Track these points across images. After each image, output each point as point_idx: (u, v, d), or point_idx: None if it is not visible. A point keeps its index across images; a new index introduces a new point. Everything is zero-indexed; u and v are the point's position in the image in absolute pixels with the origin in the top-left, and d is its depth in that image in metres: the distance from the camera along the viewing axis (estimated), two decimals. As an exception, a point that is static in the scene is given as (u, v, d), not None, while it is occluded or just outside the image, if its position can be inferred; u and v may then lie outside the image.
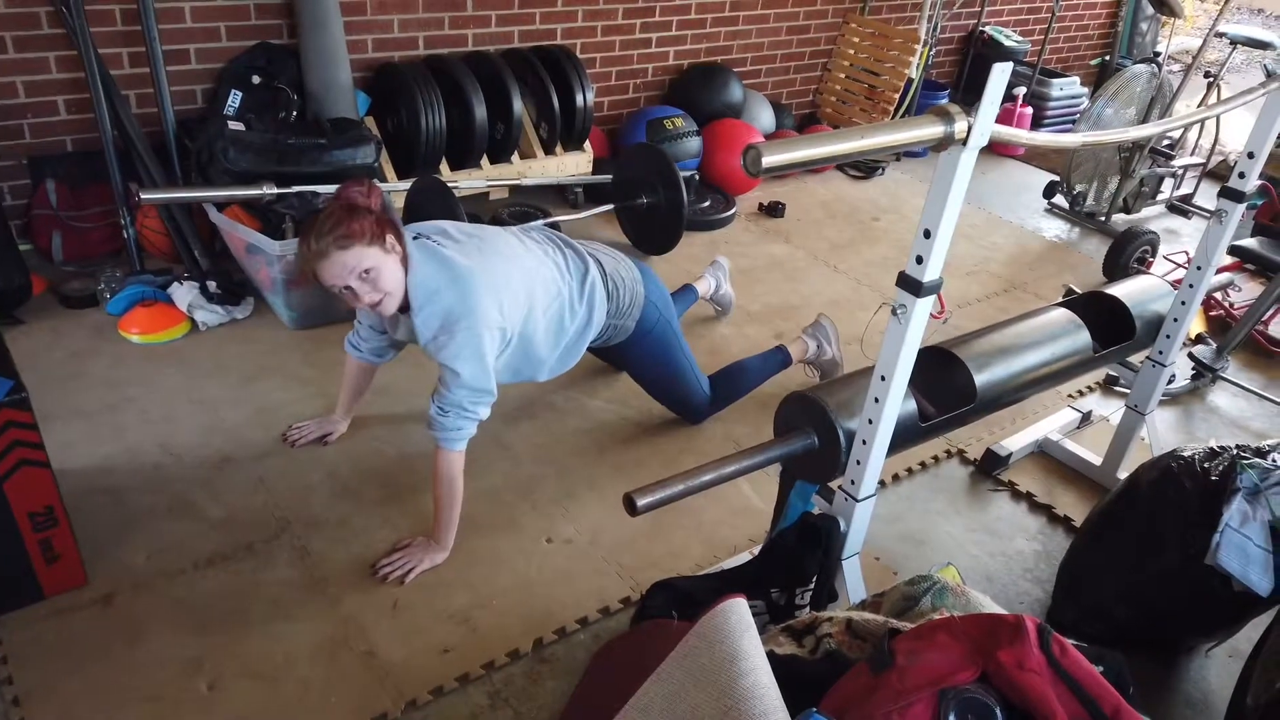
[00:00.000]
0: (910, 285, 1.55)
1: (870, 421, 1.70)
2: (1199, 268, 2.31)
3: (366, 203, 2.02)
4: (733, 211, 4.15)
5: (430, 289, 2.04)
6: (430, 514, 2.19)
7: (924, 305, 1.56)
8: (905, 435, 1.86)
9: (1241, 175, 2.20)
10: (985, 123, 1.38)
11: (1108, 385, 3.17)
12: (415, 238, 2.12)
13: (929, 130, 1.35)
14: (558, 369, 2.41)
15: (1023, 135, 1.52)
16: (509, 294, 2.14)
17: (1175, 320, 2.36)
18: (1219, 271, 3.84)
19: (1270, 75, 2.06)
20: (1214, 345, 3.26)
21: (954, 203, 1.46)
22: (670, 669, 1.29)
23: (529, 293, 2.20)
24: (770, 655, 1.34)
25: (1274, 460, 1.94)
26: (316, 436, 2.52)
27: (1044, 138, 1.59)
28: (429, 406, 2.09)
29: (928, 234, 1.49)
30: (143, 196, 2.80)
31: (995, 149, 5.32)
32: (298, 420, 2.57)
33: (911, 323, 1.57)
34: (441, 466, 2.10)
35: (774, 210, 4.24)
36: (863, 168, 4.86)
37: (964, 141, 1.38)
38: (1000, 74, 1.35)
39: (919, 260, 1.52)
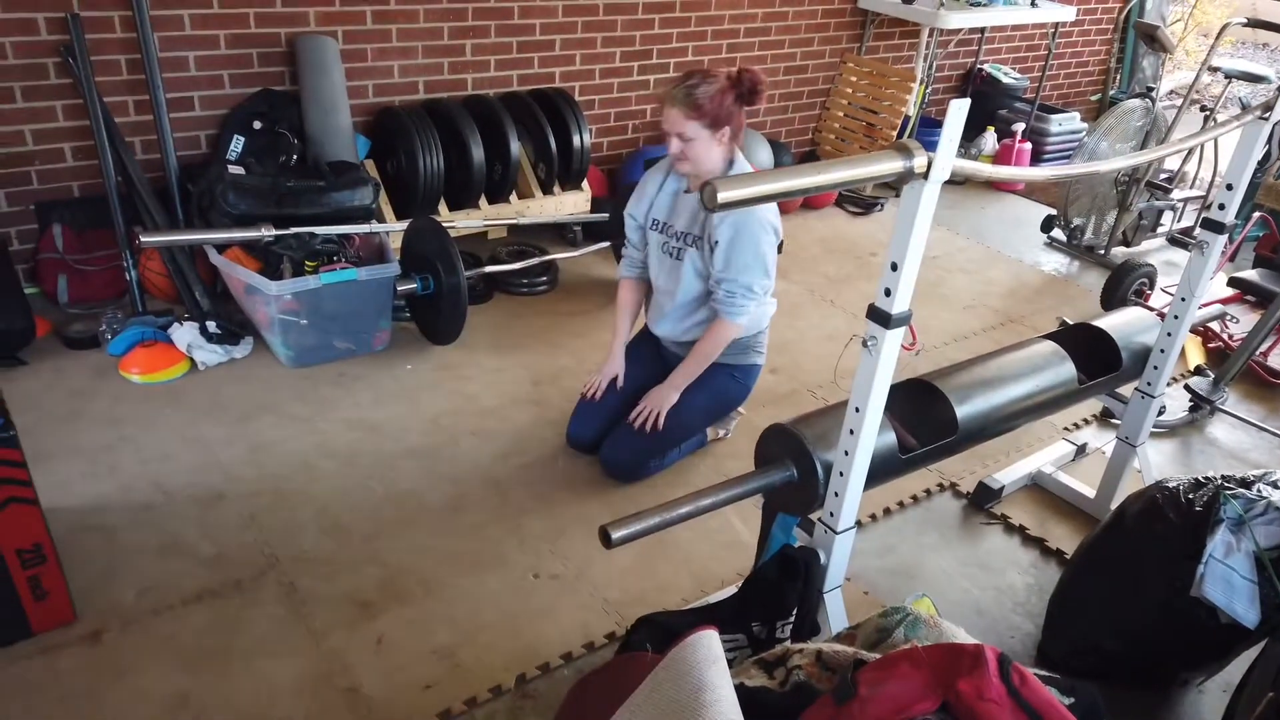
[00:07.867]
0: (880, 318, 1.57)
1: (846, 453, 1.70)
2: (1183, 299, 2.32)
3: (733, 88, 2.29)
4: (730, 248, 4.17)
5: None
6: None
7: (894, 337, 1.58)
8: (884, 467, 1.86)
9: (1221, 207, 2.21)
10: (945, 158, 1.41)
11: (1104, 418, 3.16)
12: None
13: (888, 165, 1.38)
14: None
15: (985, 170, 1.54)
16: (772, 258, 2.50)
17: (1162, 351, 2.36)
18: (1220, 303, 3.85)
19: (1245, 108, 2.07)
20: (1212, 376, 3.25)
21: (919, 235, 1.48)
22: (639, 701, 1.29)
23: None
24: (740, 687, 1.34)
25: (1259, 491, 1.93)
26: (608, 383, 2.73)
27: (1009, 172, 1.61)
28: (715, 293, 2.45)
29: (895, 267, 1.52)
30: (143, 239, 2.86)
31: (995, 185, 5.36)
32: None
33: (882, 354, 1.59)
34: (718, 330, 2.50)
35: (771, 247, 4.26)
36: (861, 204, 4.89)
37: (925, 176, 1.41)
38: (957, 111, 1.38)
39: (887, 293, 1.54)
